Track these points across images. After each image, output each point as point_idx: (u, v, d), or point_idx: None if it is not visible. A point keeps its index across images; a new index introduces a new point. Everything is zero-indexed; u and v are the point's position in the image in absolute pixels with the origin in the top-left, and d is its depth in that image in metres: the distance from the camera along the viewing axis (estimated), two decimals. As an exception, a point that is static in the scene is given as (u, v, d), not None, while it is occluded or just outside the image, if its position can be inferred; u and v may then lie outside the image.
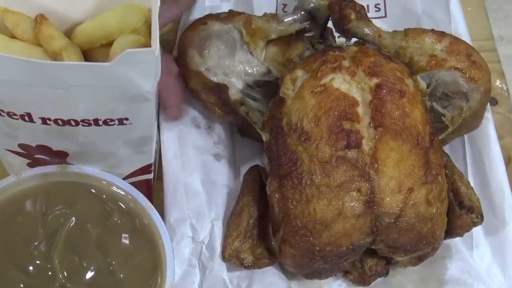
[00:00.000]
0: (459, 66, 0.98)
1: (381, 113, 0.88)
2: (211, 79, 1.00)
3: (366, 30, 1.01)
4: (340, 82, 0.91)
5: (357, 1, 1.02)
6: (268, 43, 1.04)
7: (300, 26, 1.04)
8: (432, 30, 1.01)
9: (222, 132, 1.08)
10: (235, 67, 1.01)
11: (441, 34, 1.00)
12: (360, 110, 0.89)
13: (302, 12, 1.05)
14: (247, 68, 1.02)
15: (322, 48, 1.01)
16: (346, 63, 0.93)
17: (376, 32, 1.01)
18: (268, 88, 1.02)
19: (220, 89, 1.00)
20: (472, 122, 1.01)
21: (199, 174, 1.02)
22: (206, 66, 1.00)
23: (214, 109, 1.03)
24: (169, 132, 1.05)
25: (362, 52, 0.95)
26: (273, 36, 1.03)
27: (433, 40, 0.99)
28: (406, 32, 1.01)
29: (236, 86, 1.01)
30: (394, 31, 1.02)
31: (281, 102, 0.93)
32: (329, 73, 0.92)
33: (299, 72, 0.94)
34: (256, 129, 0.99)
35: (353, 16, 1.00)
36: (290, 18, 1.04)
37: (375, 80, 0.91)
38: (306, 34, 1.05)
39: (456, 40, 1.00)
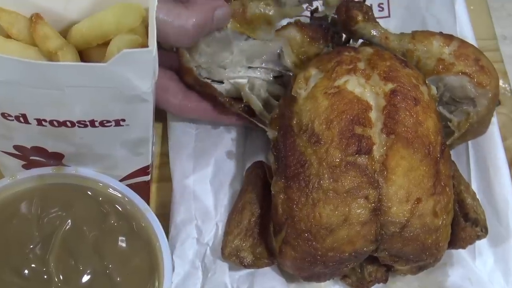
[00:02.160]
0: (467, 71, 0.95)
1: (394, 120, 0.86)
2: (202, 75, 0.98)
3: (373, 32, 0.99)
4: (355, 85, 0.89)
5: (360, 0, 1.01)
6: (289, 25, 1.01)
7: (304, 10, 1.01)
8: (440, 33, 0.99)
9: (240, 128, 1.07)
10: (233, 57, 0.98)
11: (449, 38, 0.98)
12: (373, 115, 0.87)
13: None
14: (250, 53, 0.99)
15: (337, 48, 0.99)
16: (361, 65, 0.91)
17: (383, 34, 0.98)
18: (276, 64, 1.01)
19: (210, 86, 0.99)
20: (478, 128, 0.99)
21: (209, 173, 1.02)
22: (196, 64, 0.97)
23: (210, 102, 1.01)
24: (182, 132, 1.04)
25: (378, 55, 0.93)
26: (277, 20, 1.00)
27: (441, 44, 0.97)
28: (414, 34, 0.98)
29: (233, 79, 0.99)
30: (402, 34, 0.99)
31: (292, 100, 0.91)
32: (344, 75, 0.89)
33: (313, 71, 0.92)
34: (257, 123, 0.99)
35: (360, 18, 0.98)
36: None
37: (390, 86, 0.88)
38: (316, 15, 1.03)
39: (464, 43, 0.98)
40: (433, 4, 1.16)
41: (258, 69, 1.00)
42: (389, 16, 1.18)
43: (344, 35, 1.04)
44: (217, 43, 0.97)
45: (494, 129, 1.06)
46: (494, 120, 1.06)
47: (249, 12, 0.98)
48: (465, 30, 1.13)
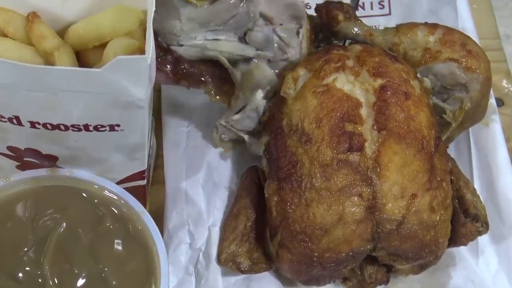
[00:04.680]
0: (454, 56, 0.96)
1: (385, 115, 0.87)
2: (159, 40, 0.95)
3: (356, 30, 1.00)
4: (343, 82, 0.90)
5: (340, 0, 1.02)
6: None
7: None
8: (425, 23, 1.00)
9: None
10: (183, 25, 0.94)
11: (433, 26, 0.99)
12: (363, 112, 0.88)
13: None
14: (203, 19, 0.95)
15: (325, 47, 1.00)
16: (350, 62, 0.92)
17: (366, 31, 1.00)
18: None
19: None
20: (475, 114, 1.00)
21: (201, 176, 1.03)
22: None
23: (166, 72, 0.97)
24: (175, 135, 1.05)
25: (366, 51, 0.94)
26: None
27: (426, 33, 0.98)
28: (398, 28, 1.00)
29: (189, 47, 0.96)
30: (386, 28, 1.01)
31: (282, 101, 0.92)
32: (332, 73, 0.90)
33: (301, 71, 0.93)
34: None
35: (341, 17, 1.00)
36: None
37: (379, 81, 0.89)
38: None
39: (449, 30, 0.99)
40: (434, 2, 1.17)
41: (217, 31, 0.97)
42: (389, 14, 1.19)
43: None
44: (163, 9, 0.93)
45: (496, 128, 1.07)
46: (496, 118, 1.07)
47: None
48: (468, 29, 1.14)
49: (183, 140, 1.05)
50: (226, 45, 0.96)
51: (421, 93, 0.91)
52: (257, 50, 0.97)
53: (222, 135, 1.02)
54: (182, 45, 0.96)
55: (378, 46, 0.98)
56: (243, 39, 0.97)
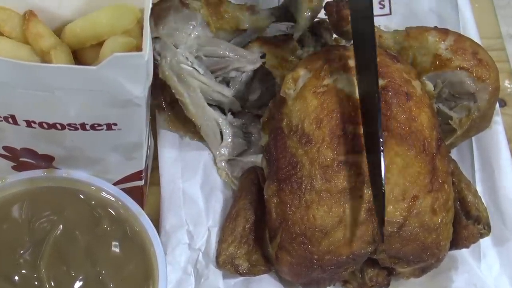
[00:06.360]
0: (465, 65, 0.96)
1: (386, 116, 0.87)
2: (155, 48, 0.98)
3: None
4: (344, 82, 0.90)
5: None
6: (255, 42, 1.03)
7: (274, 20, 1.04)
8: (435, 28, 1.00)
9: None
10: (188, 39, 0.99)
11: (444, 32, 0.99)
12: (364, 112, 0.88)
13: (279, 6, 1.05)
14: (201, 42, 1.00)
15: (326, 47, 1.00)
16: (351, 62, 0.91)
17: (376, 33, 0.99)
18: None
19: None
20: (481, 123, 1.00)
21: (198, 178, 1.02)
22: (156, 34, 0.97)
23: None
24: (170, 136, 1.04)
25: None
26: (245, 26, 1.02)
27: (437, 39, 0.97)
28: (408, 31, 0.99)
29: (182, 57, 0.99)
30: (396, 31, 1.00)
31: (282, 102, 0.92)
32: (333, 73, 0.90)
33: (301, 71, 0.93)
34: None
35: None
36: (266, 11, 1.03)
37: (380, 82, 0.89)
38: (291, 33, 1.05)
39: (460, 37, 0.99)
40: (435, 1, 1.18)
41: (203, 61, 1.01)
42: (390, 14, 1.19)
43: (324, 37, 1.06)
44: (183, 21, 0.98)
45: (499, 130, 1.06)
46: (498, 119, 1.07)
47: (224, 7, 1.00)
48: (469, 28, 1.14)
49: (177, 143, 1.05)
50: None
51: (422, 94, 0.91)
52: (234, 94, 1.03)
53: (233, 173, 1.03)
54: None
55: (387, 48, 0.98)
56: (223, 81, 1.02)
